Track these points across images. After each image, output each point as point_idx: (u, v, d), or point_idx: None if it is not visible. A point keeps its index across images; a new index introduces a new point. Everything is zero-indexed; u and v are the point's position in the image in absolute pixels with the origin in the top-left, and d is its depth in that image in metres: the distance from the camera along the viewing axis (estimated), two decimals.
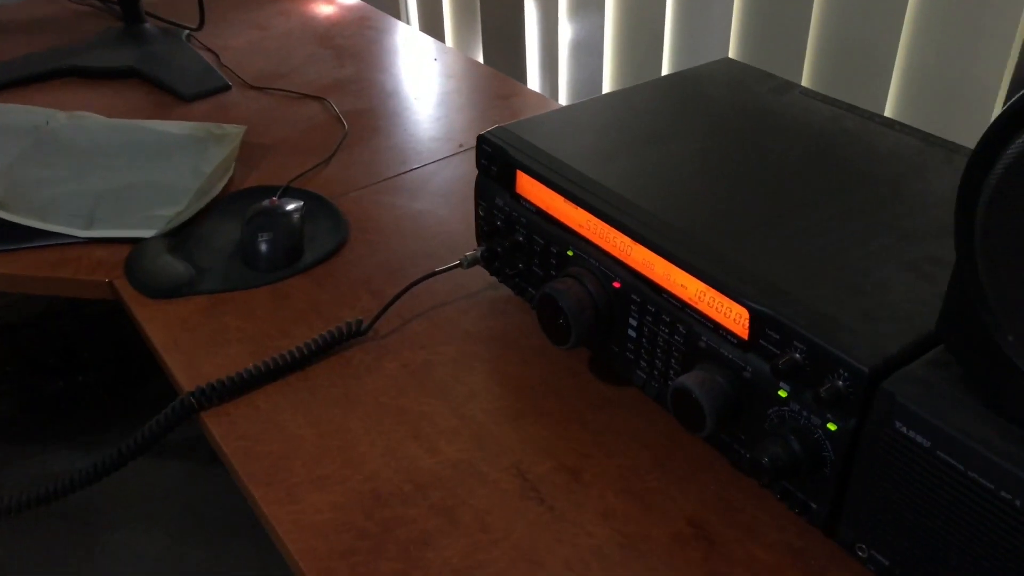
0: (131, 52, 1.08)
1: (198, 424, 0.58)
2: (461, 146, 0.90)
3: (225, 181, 0.83)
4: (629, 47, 1.13)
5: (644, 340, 0.53)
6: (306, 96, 1.01)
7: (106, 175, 0.82)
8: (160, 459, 1.39)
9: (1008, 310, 0.36)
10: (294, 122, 0.96)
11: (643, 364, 0.54)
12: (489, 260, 0.65)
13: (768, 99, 0.67)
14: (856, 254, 0.49)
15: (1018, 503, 0.36)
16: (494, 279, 0.67)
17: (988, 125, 0.34)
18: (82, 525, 1.29)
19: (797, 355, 0.43)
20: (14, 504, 0.56)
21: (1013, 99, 0.33)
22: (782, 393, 0.45)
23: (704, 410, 0.47)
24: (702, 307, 0.48)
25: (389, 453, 0.55)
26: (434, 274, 0.66)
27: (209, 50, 1.13)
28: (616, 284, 0.54)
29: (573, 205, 0.55)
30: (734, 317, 0.46)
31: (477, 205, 0.65)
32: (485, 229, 0.64)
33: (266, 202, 0.74)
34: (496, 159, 0.61)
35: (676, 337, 0.51)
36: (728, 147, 0.60)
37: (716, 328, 0.48)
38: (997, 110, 0.34)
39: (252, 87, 1.04)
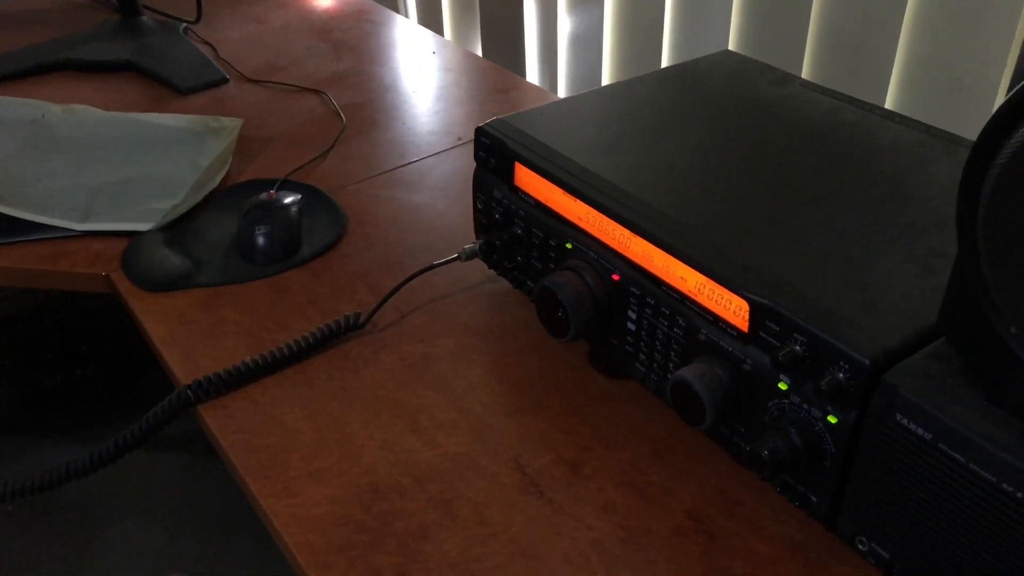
0: (128, 45, 1.08)
1: (195, 417, 0.58)
2: (459, 139, 0.90)
3: (222, 174, 0.82)
4: (628, 40, 1.13)
5: (643, 333, 0.53)
6: (304, 89, 1.01)
7: (103, 168, 0.82)
8: (157, 453, 1.39)
9: (1010, 302, 0.35)
10: (292, 115, 0.95)
11: (642, 357, 0.54)
12: (488, 253, 0.64)
13: (768, 91, 0.66)
14: (857, 246, 0.48)
15: (1019, 495, 0.36)
16: (493, 272, 0.67)
17: (990, 116, 0.34)
18: (79, 519, 1.29)
19: (797, 347, 0.43)
20: (8, 491, 0.56)
21: (1015, 89, 0.32)
22: (782, 386, 0.45)
23: (704, 403, 0.47)
24: (702, 299, 0.48)
25: (387, 446, 0.55)
26: (432, 267, 0.66)
27: (206, 43, 1.13)
28: (615, 277, 0.53)
29: (572, 197, 0.55)
30: (734, 309, 0.46)
31: (475, 198, 0.64)
32: (483, 222, 0.64)
33: (263, 195, 0.73)
34: (494, 151, 0.61)
35: (675, 330, 0.50)
36: (728, 139, 0.60)
37: (716, 320, 0.48)
38: (999, 102, 0.34)
39: (250, 80, 1.03)
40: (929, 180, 0.55)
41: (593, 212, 0.54)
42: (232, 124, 0.89)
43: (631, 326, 0.54)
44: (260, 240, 0.71)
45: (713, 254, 0.48)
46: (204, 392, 0.58)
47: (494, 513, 0.50)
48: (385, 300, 0.65)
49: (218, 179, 0.82)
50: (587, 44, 1.19)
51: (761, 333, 0.45)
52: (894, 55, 0.83)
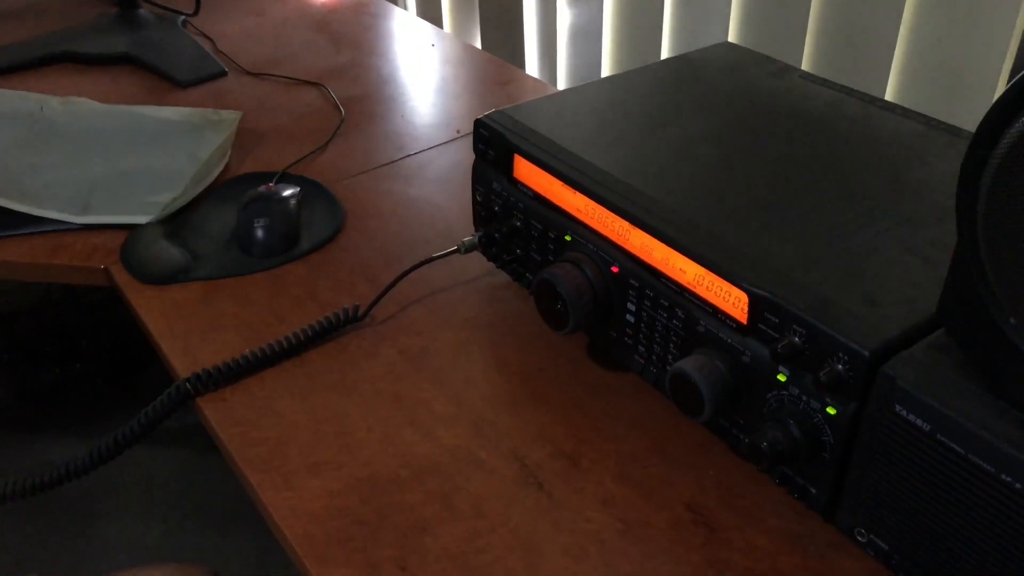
0: (126, 38, 1.08)
1: (194, 411, 0.58)
2: (459, 132, 0.90)
3: (221, 167, 0.82)
4: (628, 32, 1.12)
5: (642, 325, 0.53)
6: (303, 82, 1.01)
7: (102, 161, 0.82)
8: (157, 446, 1.39)
9: (1010, 292, 0.35)
10: (291, 108, 0.95)
11: (641, 349, 0.54)
12: (487, 246, 0.64)
13: (768, 83, 0.66)
14: (856, 238, 0.48)
15: (1018, 486, 0.36)
16: (492, 265, 0.67)
17: (990, 107, 0.33)
18: (79, 514, 1.29)
19: (796, 339, 0.43)
20: (8, 492, 0.56)
21: (1015, 79, 0.32)
22: (781, 377, 0.45)
23: (703, 395, 0.47)
24: (701, 291, 0.48)
25: (386, 439, 0.55)
26: (431, 260, 0.66)
27: (205, 36, 1.12)
28: (614, 269, 0.53)
29: (571, 189, 0.55)
30: (733, 301, 0.46)
31: (474, 190, 0.64)
32: (482, 214, 0.64)
33: (262, 188, 0.73)
34: (493, 143, 0.61)
35: (674, 322, 0.50)
36: (727, 131, 0.59)
37: (715, 312, 0.47)
38: (999, 93, 0.33)
39: (248, 73, 1.03)
40: (929, 171, 0.55)
41: (592, 204, 0.54)
42: (231, 117, 0.89)
43: (630, 318, 0.53)
44: (259, 233, 0.70)
45: (712, 246, 0.48)
46: (203, 385, 0.58)
47: (493, 506, 0.50)
48: (384, 293, 0.65)
49: (217, 172, 0.81)
50: (587, 36, 1.18)
51: (760, 325, 0.45)
52: (894, 47, 0.83)
